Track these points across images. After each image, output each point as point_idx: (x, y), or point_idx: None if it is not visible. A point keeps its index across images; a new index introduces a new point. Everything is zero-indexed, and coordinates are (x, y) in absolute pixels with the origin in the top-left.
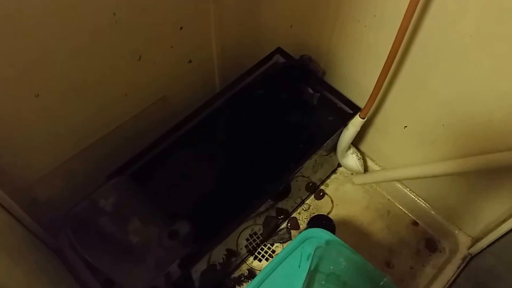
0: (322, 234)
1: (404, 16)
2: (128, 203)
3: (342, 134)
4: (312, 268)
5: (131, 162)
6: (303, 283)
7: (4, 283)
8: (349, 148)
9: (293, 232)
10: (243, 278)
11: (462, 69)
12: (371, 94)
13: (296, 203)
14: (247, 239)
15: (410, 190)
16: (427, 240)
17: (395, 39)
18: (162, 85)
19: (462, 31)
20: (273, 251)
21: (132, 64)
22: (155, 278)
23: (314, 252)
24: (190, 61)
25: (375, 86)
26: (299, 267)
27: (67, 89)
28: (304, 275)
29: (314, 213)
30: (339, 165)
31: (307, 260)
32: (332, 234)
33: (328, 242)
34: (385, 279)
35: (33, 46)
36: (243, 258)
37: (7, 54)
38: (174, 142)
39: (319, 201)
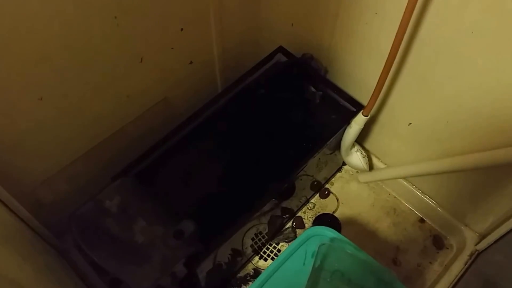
0: (326, 232)
1: (404, 12)
2: (133, 204)
3: (345, 132)
4: (316, 266)
5: (135, 163)
6: (308, 281)
7: (15, 277)
8: (353, 146)
9: (298, 231)
10: (248, 278)
11: (464, 65)
12: (374, 91)
13: (301, 202)
14: (252, 239)
15: (416, 187)
16: (434, 237)
17: (395, 36)
18: (164, 86)
19: (463, 27)
20: (279, 251)
21: (134, 66)
22: (161, 277)
23: (318, 250)
24: (191, 62)
25: (377, 83)
26: (304, 264)
27: (70, 92)
28: (309, 272)
29: (319, 212)
30: (344, 164)
31: (312, 257)
32: (336, 232)
33: (332, 240)
34: (389, 275)
35: (36, 50)
36: (248, 257)
37: (11, 59)
38: (177, 142)
39: (324, 199)
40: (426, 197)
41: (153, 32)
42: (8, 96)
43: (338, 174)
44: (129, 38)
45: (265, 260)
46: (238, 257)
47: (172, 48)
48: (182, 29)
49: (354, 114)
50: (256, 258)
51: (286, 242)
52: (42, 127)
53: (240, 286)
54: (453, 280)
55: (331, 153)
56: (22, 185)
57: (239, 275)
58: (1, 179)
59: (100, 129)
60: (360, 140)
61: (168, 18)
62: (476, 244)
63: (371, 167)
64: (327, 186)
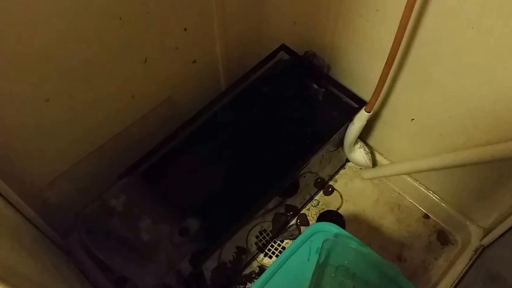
0: (330, 228)
1: (405, 9)
2: (138, 202)
3: (348, 129)
4: (321, 261)
5: (140, 162)
6: (312, 276)
7: (27, 273)
8: (357, 142)
9: (302, 228)
10: (253, 275)
11: (465, 60)
12: (376, 87)
13: (305, 199)
14: (257, 236)
15: (420, 183)
16: (438, 233)
17: (397, 32)
18: (168, 85)
19: (463, 23)
20: (283, 248)
21: (139, 66)
22: (167, 274)
23: (322, 245)
24: (194, 61)
25: (379, 79)
26: (308, 260)
27: (75, 93)
28: (313, 268)
29: (323, 209)
30: (347, 160)
31: (316, 253)
32: (339, 227)
33: (336, 235)
34: (393, 270)
35: (41, 52)
36: (253, 255)
37: (17, 61)
38: (182, 141)
39: (328, 196)
40: (430, 192)
41: (157, 33)
42: (15, 97)
43: (342, 171)
44: (134, 39)
45: (270, 257)
46: (243, 255)
47: (176, 48)
48: (185, 29)
49: (357, 111)
50: (261, 255)
51: (290, 239)
52: (48, 128)
53: (245, 283)
54: (459, 276)
55: (334, 150)
56: (28, 185)
57: (244, 272)
58: (8, 179)
59: (105, 129)
60: (363, 136)
61: (172, 18)
62: (481, 239)
63: (374, 163)
64: (330, 183)
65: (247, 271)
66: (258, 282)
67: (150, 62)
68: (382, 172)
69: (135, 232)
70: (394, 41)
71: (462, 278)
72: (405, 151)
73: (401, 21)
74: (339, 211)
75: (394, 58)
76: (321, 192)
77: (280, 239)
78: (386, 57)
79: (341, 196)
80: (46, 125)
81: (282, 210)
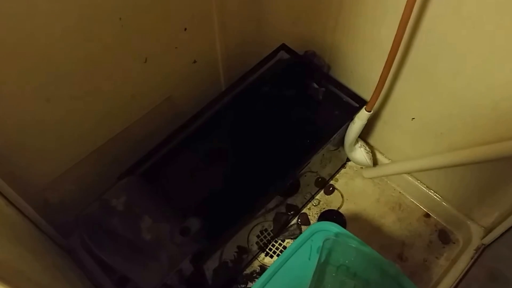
0: (331, 227)
1: (405, 8)
2: (139, 202)
3: (348, 128)
4: (322, 261)
5: (141, 162)
6: (313, 275)
7: (28, 273)
8: (357, 141)
9: (303, 227)
10: (255, 275)
11: (466, 59)
12: (376, 87)
13: (305, 198)
14: (258, 236)
15: (420, 182)
16: (439, 232)
17: (397, 31)
18: (168, 85)
19: (464, 21)
20: (284, 247)
21: (139, 66)
22: (168, 274)
23: (322, 244)
24: (195, 61)
25: (379, 78)
26: (309, 259)
27: (76, 93)
28: (314, 267)
29: (324, 208)
30: (348, 160)
31: (317, 252)
32: (340, 227)
33: (337, 235)
34: (394, 269)
35: (42, 52)
36: (254, 254)
37: (18, 61)
38: (182, 141)
39: (329, 196)
40: (431, 191)
41: (157, 32)
42: (16, 98)
43: (343, 170)
44: (134, 39)
45: (271, 257)
46: (244, 255)
47: (176, 48)
48: (185, 29)
49: (357, 110)
50: (262, 255)
51: (291, 238)
52: (49, 128)
53: (247, 283)
54: (460, 275)
55: (335, 149)
56: (29, 185)
57: (245, 272)
58: (9, 179)
59: (105, 129)
60: (364, 135)
61: (172, 18)
62: (482, 238)
63: (375, 162)
64: (331, 182)
65: (248, 271)
66: (259, 282)
67: (150, 62)
68: (383, 171)
69: (136, 231)
70: (394, 40)
71: (463, 277)
72: (406, 150)
73: (401, 20)
74: (340, 210)
75: (394, 57)
76: (322, 191)
77: (281, 238)
78: (387, 56)
79: (342, 195)
80: (47, 125)
81: (283, 209)
